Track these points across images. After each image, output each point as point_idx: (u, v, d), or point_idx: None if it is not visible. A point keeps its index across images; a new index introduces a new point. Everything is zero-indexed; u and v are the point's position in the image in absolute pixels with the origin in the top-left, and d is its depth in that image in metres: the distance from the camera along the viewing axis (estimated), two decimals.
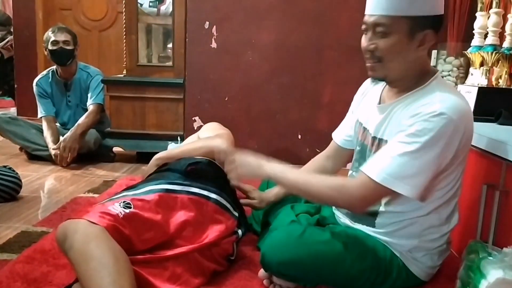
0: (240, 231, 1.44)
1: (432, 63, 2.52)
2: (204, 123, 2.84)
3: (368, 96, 1.40)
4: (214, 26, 2.77)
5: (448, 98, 1.13)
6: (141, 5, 3.04)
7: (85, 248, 1.05)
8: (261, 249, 1.29)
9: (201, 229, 1.32)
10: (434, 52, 2.50)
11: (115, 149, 3.06)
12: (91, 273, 1.02)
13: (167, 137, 2.79)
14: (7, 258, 1.47)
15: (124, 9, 2.98)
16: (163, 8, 3.12)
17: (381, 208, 1.26)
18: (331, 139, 1.57)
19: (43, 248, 1.48)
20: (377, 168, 1.13)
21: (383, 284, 1.26)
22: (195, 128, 2.82)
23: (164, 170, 1.48)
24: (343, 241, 1.24)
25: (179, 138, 2.55)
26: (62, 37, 2.90)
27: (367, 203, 1.19)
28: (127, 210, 1.18)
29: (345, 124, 1.53)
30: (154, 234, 1.23)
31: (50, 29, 2.96)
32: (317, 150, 1.44)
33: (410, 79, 1.21)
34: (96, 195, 2.19)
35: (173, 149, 1.73)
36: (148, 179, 1.42)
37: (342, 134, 1.53)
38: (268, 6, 2.76)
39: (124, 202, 1.21)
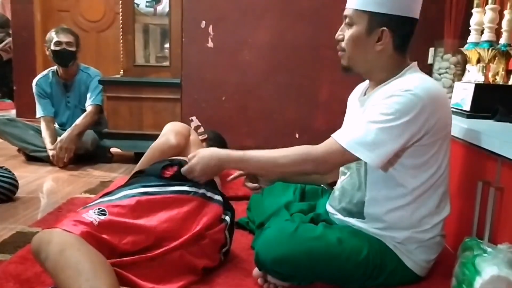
0: (227, 218, 1.41)
1: (429, 60, 2.51)
2: (201, 122, 2.84)
3: (355, 96, 1.45)
4: (210, 26, 2.77)
5: (419, 80, 1.21)
6: (138, 5, 3.05)
7: (60, 257, 1.04)
8: (255, 247, 1.29)
9: (187, 225, 1.30)
10: (431, 50, 2.49)
11: (113, 149, 3.06)
12: (69, 281, 1.01)
13: None
14: (1, 258, 1.47)
15: (121, 10, 2.98)
16: (159, 8, 3.12)
17: (367, 197, 1.29)
18: (328, 137, 1.55)
19: None
20: (344, 133, 1.21)
21: (378, 278, 1.26)
22: (192, 128, 2.81)
23: (140, 175, 1.47)
24: (337, 237, 1.24)
25: None
26: (65, 38, 2.91)
27: (332, 164, 1.26)
28: (102, 217, 1.17)
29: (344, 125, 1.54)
30: (135, 237, 1.21)
31: (53, 30, 2.97)
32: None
33: (379, 72, 1.29)
34: (92, 196, 2.18)
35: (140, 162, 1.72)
36: (123, 185, 1.41)
37: None
38: (264, 5, 2.75)
39: (98, 209, 1.20)
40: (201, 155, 1.34)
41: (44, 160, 2.85)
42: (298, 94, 2.82)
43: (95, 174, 2.68)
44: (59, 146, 2.77)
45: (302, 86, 2.81)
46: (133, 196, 1.28)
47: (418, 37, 2.53)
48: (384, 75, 1.27)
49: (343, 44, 1.28)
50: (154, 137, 3.00)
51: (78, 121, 2.89)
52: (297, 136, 2.84)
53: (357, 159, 1.19)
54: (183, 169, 1.36)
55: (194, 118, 2.87)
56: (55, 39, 2.90)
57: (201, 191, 1.37)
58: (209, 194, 1.39)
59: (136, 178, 1.44)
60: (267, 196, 1.66)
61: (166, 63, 3.05)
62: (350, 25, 1.26)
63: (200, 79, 2.84)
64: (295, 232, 1.22)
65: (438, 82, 2.24)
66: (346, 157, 1.20)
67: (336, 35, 1.31)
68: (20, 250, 1.51)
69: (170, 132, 1.70)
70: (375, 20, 1.22)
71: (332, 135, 1.24)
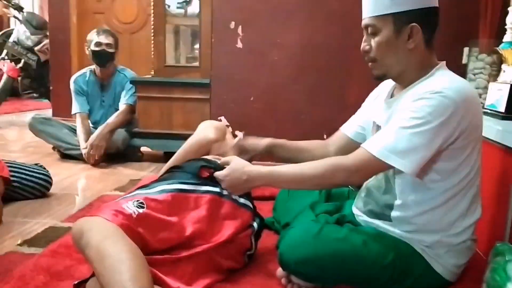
0: (255, 224, 1.42)
1: (464, 60, 2.44)
2: (230, 122, 2.86)
3: (381, 96, 1.41)
4: (240, 26, 2.78)
5: (450, 81, 1.17)
6: (169, 6, 3.09)
7: (101, 245, 1.05)
8: (279, 247, 1.28)
9: (217, 227, 1.30)
10: (465, 49, 2.42)
11: (143, 148, 3.12)
12: (109, 269, 1.02)
13: None
14: (34, 252, 1.52)
15: (152, 12, 3.04)
16: (190, 9, 3.16)
17: (396, 201, 1.25)
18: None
19: (67, 243, 1.51)
20: (374, 142, 1.18)
21: (404, 282, 1.23)
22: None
23: (177, 170, 1.47)
24: (362, 239, 1.22)
25: None
26: (105, 39, 2.99)
27: (363, 175, 1.23)
28: (140, 210, 1.18)
29: (357, 118, 1.53)
30: (168, 234, 1.22)
31: (95, 31, 3.05)
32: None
33: (411, 72, 1.25)
34: (122, 193, 2.23)
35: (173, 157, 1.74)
36: (161, 179, 1.42)
37: (354, 127, 1.52)
38: (293, 6, 2.74)
39: (137, 201, 1.20)
40: (234, 167, 1.33)
41: (78, 158, 2.92)
42: (327, 95, 2.79)
43: (125, 173, 2.73)
44: (90, 144, 2.84)
45: (331, 87, 2.78)
46: (170, 191, 1.28)
47: (452, 37, 2.49)
48: (414, 76, 1.24)
49: (371, 54, 1.25)
50: (183, 137, 3.03)
51: (110, 119, 2.97)
52: (325, 137, 2.79)
53: (390, 167, 1.15)
54: (215, 174, 1.36)
55: (222, 118, 2.89)
56: (96, 39, 2.98)
57: (234, 195, 1.38)
58: (241, 200, 1.39)
59: (173, 173, 1.44)
60: (292, 196, 1.65)
61: (196, 64, 3.08)
62: (374, 33, 1.23)
63: (229, 80, 2.85)
64: (319, 233, 1.21)
65: (472, 83, 2.18)
66: (378, 166, 1.17)
67: (362, 47, 1.28)
68: (51, 244, 1.56)
69: (209, 127, 1.70)
70: (400, 19, 1.20)
71: (362, 145, 1.21)
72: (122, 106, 3.04)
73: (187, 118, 2.99)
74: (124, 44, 4.45)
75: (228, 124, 2.85)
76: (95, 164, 2.84)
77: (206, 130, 1.69)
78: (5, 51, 4.88)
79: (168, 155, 3.02)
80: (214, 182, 1.36)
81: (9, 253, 1.51)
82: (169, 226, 1.23)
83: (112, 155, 2.95)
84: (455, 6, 2.44)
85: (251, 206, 1.42)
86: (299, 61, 2.78)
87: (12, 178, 2.00)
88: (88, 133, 2.96)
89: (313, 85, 2.79)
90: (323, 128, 2.82)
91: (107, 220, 1.11)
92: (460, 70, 2.08)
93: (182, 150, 1.69)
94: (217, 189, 1.35)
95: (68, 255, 1.44)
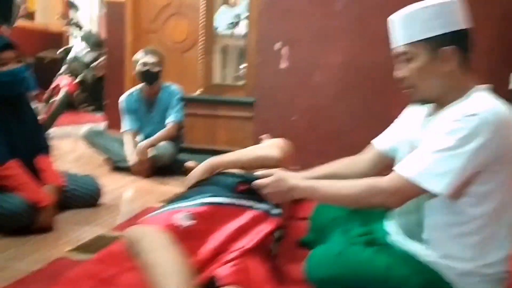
0: (277, 233, 1.47)
1: (511, 86, 2.39)
2: None
3: (417, 115, 1.40)
4: (284, 47, 2.85)
5: (487, 103, 1.16)
6: (217, 28, 3.21)
7: (154, 254, 1.12)
8: (305, 266, 1.32)
9: (247, 236, 1.37)
10: None
11: (188, 163, 3.22)
12: (160, 278, 1.09)
13: None
14: (83, 258, 1.62)
15: (201, 32, 3.16)
16: (238, 30, 3.27)
17: (428, 222, 1.24)
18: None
19: (114, 251, 1.61)
20: (409, 165, 1.18)
21: None
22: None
23: (213, 182, 1.54)
24: (386, 262, 1.22)
25: None
26: (151, 59, 3.14)
27: (399, 198, 1.22)
28: (188, 223, 1.26)
29: (390, 133, 1.53)
30: (206, 246, 1.30)
31: (142, 51, 3.20)
32: (384, 173, 1.44)
33: (448, 94, 1.24)
34: None
35: (226, 155, 1.76)
36: (199, 190, 1.48)
37: (388, 142, 1.52)
38: (337, 27, 2.78)
39: (184, 214, 1.29)
40: (278, 176, 1.37)
41: (127, 170, 3.07)
42: (369, 117, 2.80)
43: (171, 186, 2.84)
44: (134, 161, 3.00)
45: (373, 109, 2.79)
46: (210, 204, 1.36)
47: (499, 63, 2.44)
48: (451, 98, 1.24)
49: (408, 81, 1.27)
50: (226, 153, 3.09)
51: (156, 135, 3.10)
52: None
53: (426, 190, 1.15)
54: (254, 183, 1.41)
55: (264, 136, 2.94)
56: (142, 60, 3.14)
57: (266, 207, 1.44)
58: (273, 211, 1.45)
59: (211, 186, 1.51)
60: (328, 216, 1.67)
61: (242, 83, 3.17)
62: (409, 59, 1.24)
63: (272, 99, 2.92)
64: (341, 253, 1.23)
65: None
66: (414, 190, 1.16)
67: (395, 74, 1.29)
68: (99, 251, 1.66)
69: (276, 146, 1.75)
70: (433, 43, 1.21)
71: (396, 168, 1.21)
72: (169, 123, 3.16)
73: (230, 136, 3.09)
74: (175, 62, 4.62)
75: None
76: (143, 177, 2.98)
77: (272, 147, 1.72)
78: (64, 67, 5.19)
79: None
80: (250, 195, 1.43)
81: (59, 258, 1.63)
82: (209, 238, 1.31)
83: (160, 169, 3.07)
84: (502, 33, 2.40)
85: (281, 214, 1.47)
86: (342, 82, 2.81)
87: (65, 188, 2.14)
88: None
89: (356, 106, 2.81)
90: (364, 149, 2.82)
91: (159, 230, 1.19)
92: (507, 95, 2.04)
93: (245, 158, 1.71)
94: (251, 203, 1.42)
95: (115, 262, 1.53)
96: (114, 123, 4.39)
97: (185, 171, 3.16)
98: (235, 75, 3.44)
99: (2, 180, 1.86)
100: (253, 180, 1.45)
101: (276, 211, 1.47)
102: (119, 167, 3.14)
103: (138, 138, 3.25)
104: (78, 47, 5.23)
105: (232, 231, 1.35)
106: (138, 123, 3.26)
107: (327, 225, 1.59)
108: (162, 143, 3.09)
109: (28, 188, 1.88)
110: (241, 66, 3.34)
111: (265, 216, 1.43)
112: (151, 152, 3.02)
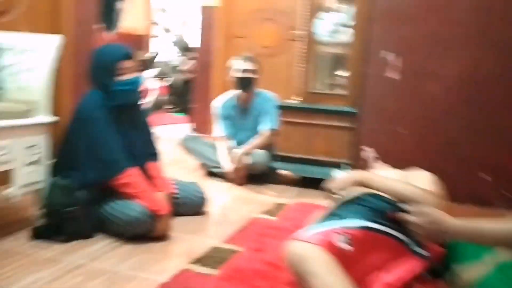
0: (427, 274, 1.39)
1: None
2: (377, 154, 2.77)
3: None
4: (394, 57, 2.71)
5: None
6: (317, 34, 3.13)
7: (327, 278, 1.13)
8: None
9: (391, 269, 1.33)
10: None
11: (282, 171, 3.17)
12: None
13: (334, 164, 2.78)
14: (205, 271, 1.60)
15: (299, 39, 3.10)
16: (338, 37, 3.16)
17: None
18: None
19: (239, 267, 1.59)
20: None
21: None
22: (363, 158, 2.77)
23: (366, 204, 1.48)
24: None
25: (341, 166, 2.52)
26: (250, 66, 3.13)
27: None
28: (347, 247, 1.25)
29: None
30: (354, 271, 1.25)
31: (240, 57, 3.20)
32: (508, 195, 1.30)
33: None
34: (272, 218, 2.27)
35: (375, 174, 1.71)
36: (354, 209, 1.44)
37: None
38: (454, 35, 2.59)
39: (343, 236, 1.27)
40: (434, 216, 1.26)
41: (220, 176, 3.07)
42: (485, 132, 2.58)
43: (268, 195, 2.80)
44: (231, 169, 2.99)
45: (492, 123, 2.57)
46: (364, 229, 1.34)
47: None
48: None
49: None
50: (323, 163, 3.00)
51: (250, 143, 3.07)
52: (485, 177, 2.59)
53: None
54: (413, 220, 1.30)
55: (368, 148, 2.82)
56: (241, 66, 3.13)
57: (415, 247, 1.38)
58: (417, 249, 1.38)
59: (365, 207, 1.46)
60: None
61: (342, 92, 3.07)
62: None
63: (380, 110, 2.78)
64: None
65: None
66: None
67: None
68: (221, 265, 1.64)
69: (430, 182, 1.65)
70: None
71: None
72: (264, 130, 3.11)
73: (328, 145, 3.00)
74: (264, 67, 4.60)
75: (378, 156, 2.77)
76: (239, 184, 2.96)
77: (427, 193, 1.52)
78: (157, 70, 5.36)
79: (307, 179, 3.04)
80: (398, 224, 1.37)
81: (183, 270, 1.62)
82: (357, 263, 1.27)
83: (254, 176, 3.04)
84: None
85: (425, 255, 1.39)
86: (457, 94, 2.61)
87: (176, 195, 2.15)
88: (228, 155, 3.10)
89: (471, 120, 2.60)
90: (479, 166, 2.61)
91: (324, 251, 1.19)
92: None
93: (395, 186, 1.55)
94: (400, 236, 1.37)
95: (243, 280, 1.50)
96: (200, 127, 4.45)
97: (280, 179, 3.12)
98: (333, 83, 3.33)
99: (122, 188, 1.88)
100: (405, 211, 1.36)
101: (423, 252, 1.39)
102: (212, 172, 3.15)
103: (231, 144, 3.24)
104: (168, 51, 5.40)
105: (380, 263, 1.32)
106: (231, 129, 3.25)
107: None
108: (257, 151, 3.06)
109: (147, 196, 1.89)
110: (339, 73, 3.23)
111: (410, 252, 1.38)
112: (247, 160, 2.99)
